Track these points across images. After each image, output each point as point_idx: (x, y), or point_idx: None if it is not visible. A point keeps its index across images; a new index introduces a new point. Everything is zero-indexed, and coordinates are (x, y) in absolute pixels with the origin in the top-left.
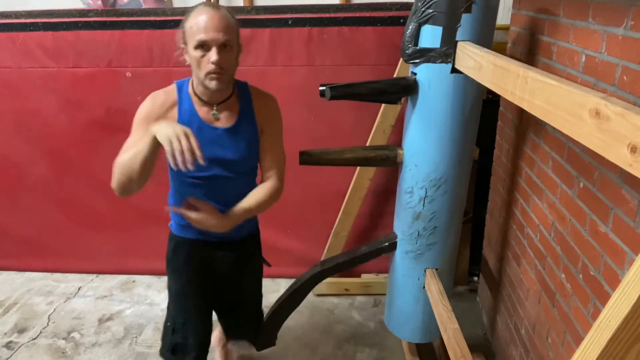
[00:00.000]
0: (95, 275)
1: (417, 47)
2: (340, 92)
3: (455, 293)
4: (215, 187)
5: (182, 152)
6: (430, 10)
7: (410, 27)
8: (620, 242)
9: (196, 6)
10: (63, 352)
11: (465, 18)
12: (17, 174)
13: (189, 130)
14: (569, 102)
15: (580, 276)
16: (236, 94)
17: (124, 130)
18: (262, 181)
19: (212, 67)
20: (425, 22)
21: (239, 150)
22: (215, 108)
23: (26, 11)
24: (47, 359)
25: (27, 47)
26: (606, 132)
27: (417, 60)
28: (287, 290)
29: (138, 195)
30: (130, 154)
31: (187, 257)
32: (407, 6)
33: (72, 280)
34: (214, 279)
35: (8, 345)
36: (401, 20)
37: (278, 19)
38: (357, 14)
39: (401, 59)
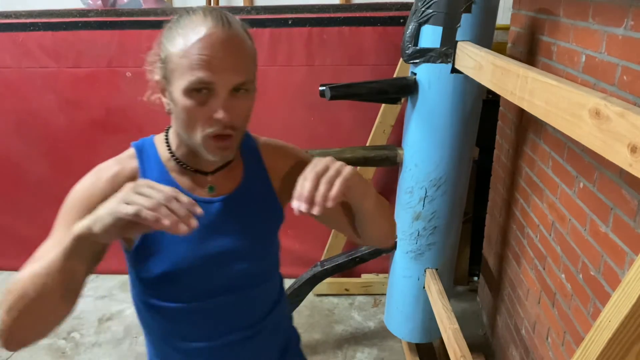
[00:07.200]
0: (95, 275)
1: (417, 47)
2: (340, 92)
3: (455, 293)
4: (230, 309)
5: (168, 214)
6: (430, 10)
7: (410, 27)
8: (620, 242)
9: (189, 13)
10: (63, 352)
11: (465, 18)
12: (17, 174)
13: (150, 182)
14: (569, 102)
15: (580, 276)
16: (239, 150)
17: (124, 130)
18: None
19: (217, 127)
20: (425, 22)
21: (255, 230)
22: (209, 178)
23: (26, 11)
24: (47, 359)
25: (27, 47)
26: (606, 132)
27: (417, 60)
28: (287, 290)
29: None
30: (37, 266)
31: None
32: (407, 6)
33: None
34: None
35: None
36: (401, 20)
37: (278, 19)
38: (357, 14)
39: (401, 59)
